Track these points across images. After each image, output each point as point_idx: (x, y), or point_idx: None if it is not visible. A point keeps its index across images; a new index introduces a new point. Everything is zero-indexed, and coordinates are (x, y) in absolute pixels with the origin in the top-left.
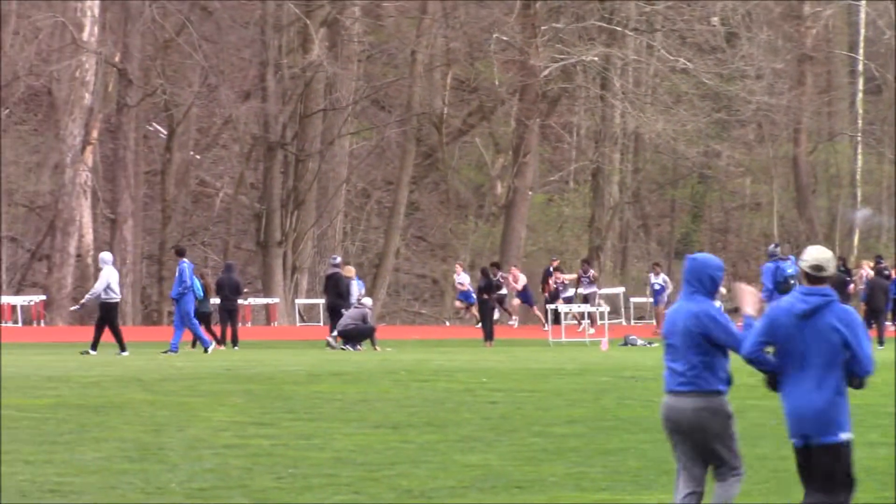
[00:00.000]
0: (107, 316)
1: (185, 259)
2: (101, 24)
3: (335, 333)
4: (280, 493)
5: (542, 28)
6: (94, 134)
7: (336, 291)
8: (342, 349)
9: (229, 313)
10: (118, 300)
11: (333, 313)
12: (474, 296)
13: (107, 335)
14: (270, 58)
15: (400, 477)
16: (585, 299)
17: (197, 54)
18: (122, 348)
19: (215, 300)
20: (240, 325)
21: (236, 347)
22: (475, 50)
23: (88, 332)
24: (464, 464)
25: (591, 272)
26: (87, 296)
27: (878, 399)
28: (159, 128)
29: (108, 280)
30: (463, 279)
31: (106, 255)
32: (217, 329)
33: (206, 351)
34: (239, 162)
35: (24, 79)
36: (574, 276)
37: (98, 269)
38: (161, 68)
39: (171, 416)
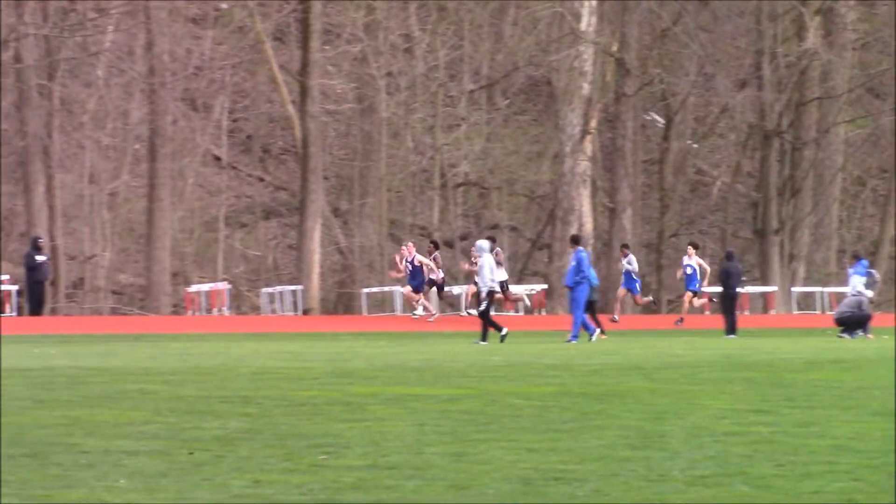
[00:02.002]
0: (488, 303)
1: (581, 247)
2: (598, 13)
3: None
4: (780, 480)
5: None
6: (593, 123)
7: None
8: (839, 337)
9: (731, 300)
10: (496, 289)
11: None
12: None
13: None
14: (766, 46)
15: None
16: None
17: (693, 43)
18: (483, 338)
19: (716, 288)
20: (738, 312)
21: (733, 336)
22: None
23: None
24: None
25: None
26: (480, 286)
27: None
28: (657, 117)
29: (491, 268)
30: None
31: (483, 243)
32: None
33: (590, 339)
34: (736, 150)
35: (524, 69)
36: None
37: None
38: (658, 58)
39: (671, 404)
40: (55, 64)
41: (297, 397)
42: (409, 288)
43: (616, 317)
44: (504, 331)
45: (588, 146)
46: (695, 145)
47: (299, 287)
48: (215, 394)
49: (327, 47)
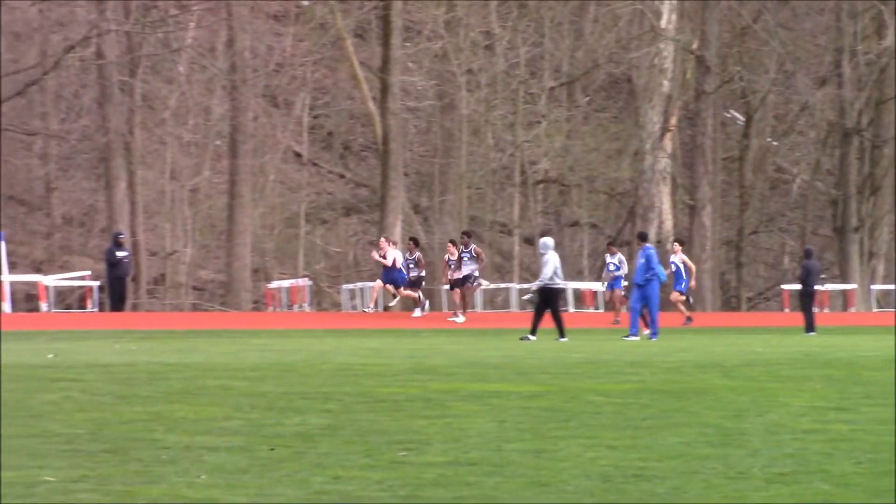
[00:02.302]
0: (550, 301)
1: (649, 244)
2: (678, 11)
3: None
4: (859, 477)
5: None
6: (673, 121)
7: None
8: None
9: (810, 298)
10: (561, 287)
11: None
12: None
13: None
14: (846, 44)
15: None
16: None
17: (773, 41)
18: (562, 334)
19: (795, 286)
20: (817, 310)
21: (813, 333)
22: None
23: (667, 318)
24: None
25: None
26: (536, 283)
27: None
28: (737, 114)
29: (555, 266)
30: None
31: (548, 241)
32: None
33: (627, 337)
34: (815, 148)
35: (604, 66)
36: None
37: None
38: (738, 55)
39: (751, 401)
40: (137, 60)
41: (378, 394)
42: (380, 283)
43: (619, 319)
44: (532, 337)
45: (668, 143)
46: (774, 143)
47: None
48: (296, 390)
49: (408, 44)
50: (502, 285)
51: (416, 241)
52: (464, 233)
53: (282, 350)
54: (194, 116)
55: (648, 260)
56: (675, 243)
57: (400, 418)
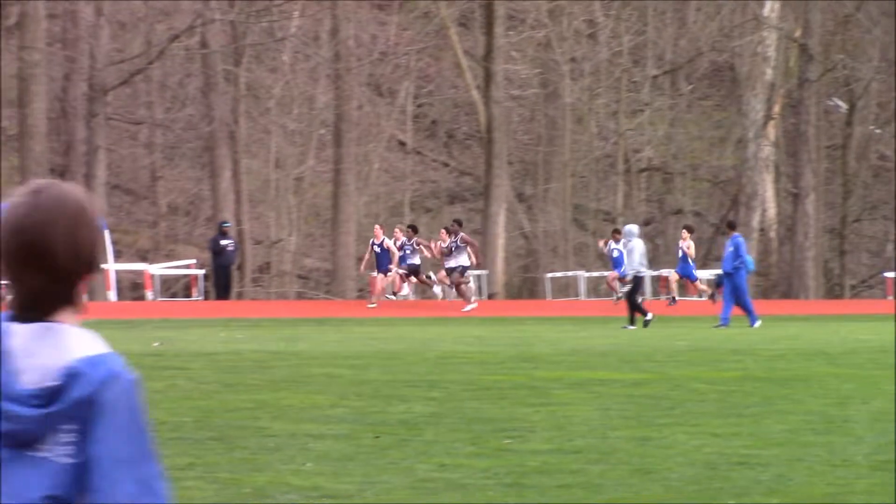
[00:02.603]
0: (634, 287)
1: (738, 233)
2: None
3: None
4: None
5: None
6: (776, 109)
7: None
8: None
9: None
10: (645, 274)
11: None
12: None
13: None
14: None
15: None
16: None
17: (876, 29)
18: (631, 322)
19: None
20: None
21: None
22: None
23: (779, 306)
24: None
25: None
26: (626, 270)
27: None
28: (840, 102)
29: (640, 252)
30: None
31: (633, 228)
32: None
33: (751, 325)
34: None
35: (707, 54)
36: None
37: (780, 244)
38: (841, 43)
39: (855, 389)
40: (241, 49)
41: (483, 381)
42: (378, 274)
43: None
44: (649, 315)
45: (771, 131)
46: (878, 131)
47: (484, 272)
48: (401, 378)
49: (511, 33)
50: (605, 273)
51: (414, 228)
52: (454, 221)
53: (386, 338)
54: (299, 105)
55: (737, 248)
56: (684, 230)
57: (504, 406)
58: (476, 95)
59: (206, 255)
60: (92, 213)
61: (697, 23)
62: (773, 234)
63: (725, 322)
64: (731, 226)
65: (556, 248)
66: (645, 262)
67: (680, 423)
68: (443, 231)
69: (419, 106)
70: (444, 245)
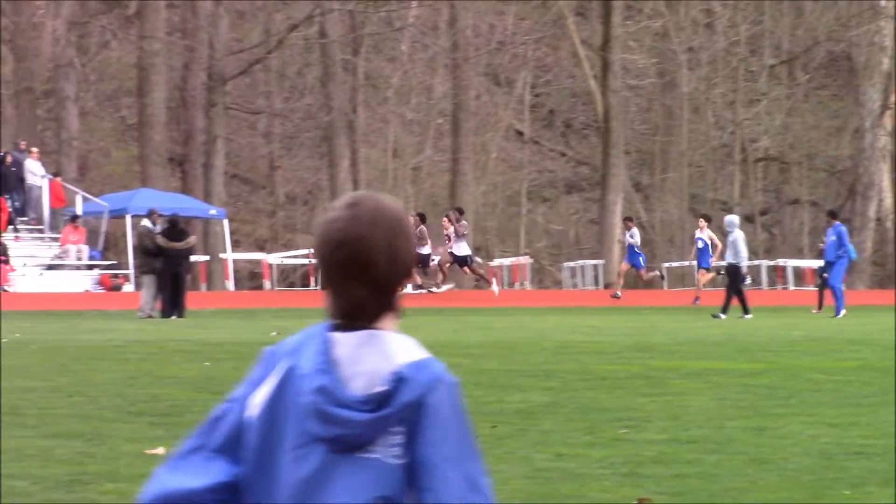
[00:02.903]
0: (734, 279)
1: (839, 222)
2: None
3: None
4: None
5: None
6: (893, 98)
7: None
8: None
9: None
10: (744, 265)
11: None
12: None
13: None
14: None
15: None
16: None
17: None
18: (724, 311)
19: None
20: None
21: None
22: None
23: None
24: None
25: None
26: (726, 261)
27: None
28: None
29: (742, 243)
30: None
31: (734, 218)
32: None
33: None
34: None
35: (824, 44)
36: None
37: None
38: None
39: None
40: (360, 39)
41: (599, 371)
42: None
43: (618, 293)
44: (748, 315)
45: (888, 121)
46: None
47: (601, 261)
48: (518, 367)
49: (629, 22)
50: (721, 263)
51: (422, 217)
52: (456, 209)
53: (503, 328)
54: (417, 95)
55: (840, 237)
56: (701, 219)
57: (621, 396)
58: (593, 85)
59: None
60: (406, 222)
61: (814, 12)
62: (889, 224)
63: (840, 311)
64: (833, 214)
65: (672, 237)
66: (745, 252)
67: (796, 413)
68: (445, 219)
69: (536, 95)
70: (447, 232)
